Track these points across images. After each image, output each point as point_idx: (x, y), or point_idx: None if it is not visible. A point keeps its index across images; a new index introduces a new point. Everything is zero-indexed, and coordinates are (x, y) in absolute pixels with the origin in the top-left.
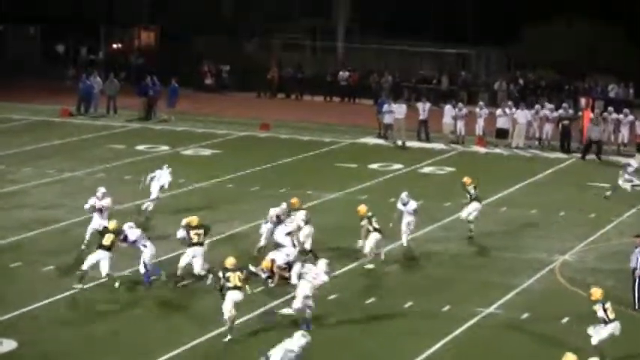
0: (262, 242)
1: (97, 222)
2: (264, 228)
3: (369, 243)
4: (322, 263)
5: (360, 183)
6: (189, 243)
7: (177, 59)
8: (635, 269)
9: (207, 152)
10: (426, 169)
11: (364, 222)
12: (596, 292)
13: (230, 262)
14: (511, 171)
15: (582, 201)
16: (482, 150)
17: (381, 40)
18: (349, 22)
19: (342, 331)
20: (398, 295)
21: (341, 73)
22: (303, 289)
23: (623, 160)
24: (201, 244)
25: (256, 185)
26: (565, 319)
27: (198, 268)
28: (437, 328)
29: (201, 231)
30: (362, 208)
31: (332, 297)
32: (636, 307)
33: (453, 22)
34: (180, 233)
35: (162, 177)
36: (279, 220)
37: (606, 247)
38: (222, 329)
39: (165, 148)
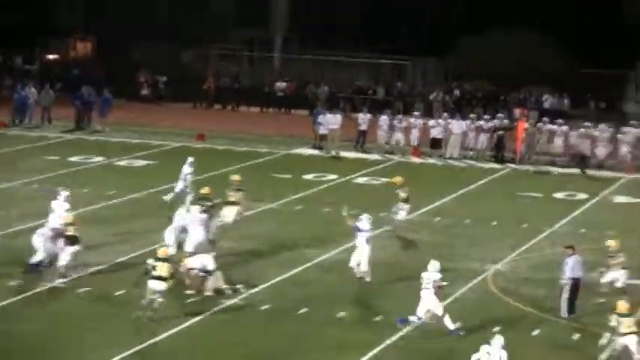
0: (172, 250)
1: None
2: (170, 236)
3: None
4: (435, 264)
5: (295, 193)
6: (69, 240)
7: (114, 69)
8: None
9: (142, 163)
10: (361, 180)
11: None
12: (621, 306)
13: (162, 252)
14: (445, 181)
15: (515, 211)
16: (417, 160)
17: (318, 50)
18: (286, 33)
19: (271, 344)
20: (331, 305)
21: (278, 83)
22: (425, 299)
23: (556, 170)
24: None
25: (191, 196)
26: (497, 328)
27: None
28: (368, 338)
29: (77, 227)
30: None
31: (264, 307)
32: (563, 314)
33: (390, 33)
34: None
35: (182, 171)
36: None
37: (538, 256)
38: (160, 337)
39: (99, 159)
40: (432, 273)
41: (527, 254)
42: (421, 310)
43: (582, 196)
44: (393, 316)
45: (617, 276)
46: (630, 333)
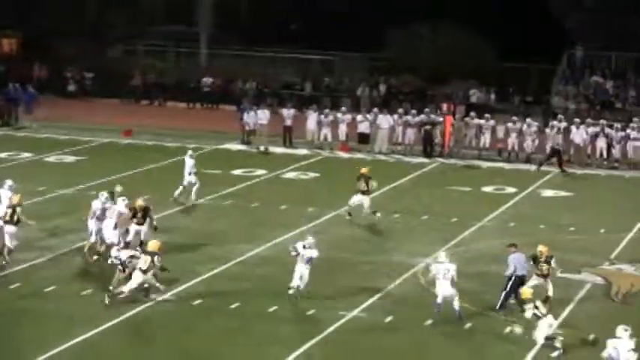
0: (93, 238)
1: None
2: (91, 224)
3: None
4: (443, 254)
5: (223, 189)
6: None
7: (40, 65)
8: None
9: (70, 159)
10: (290, 175)
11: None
12: (526, 292)
13: (152, 245)
14: (374, 176)
15: (445, 205)
16: (345, 155)
17: (245, 46)
18: (213, 28)
19: (203, 339)
20: (263, 299)
21: (204, 79)
22: (443, 289)
23: (484, 164)
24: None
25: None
26: (428, 322)
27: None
28: (301, 332)
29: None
30: (140, 202)
31: (196, 302)
32: (497, 307)
33: (318, 28)
34: None
35: (186, 164)
36: (104, 214)
37: (468, 250)
38: (90, 334)
39: (28, 155)
40: (448, 264)
41: (456, 248)
42: (440, 299)
43: (511, 190)
44: (324, 311)
45: (543, 283)
46: (548, 313)
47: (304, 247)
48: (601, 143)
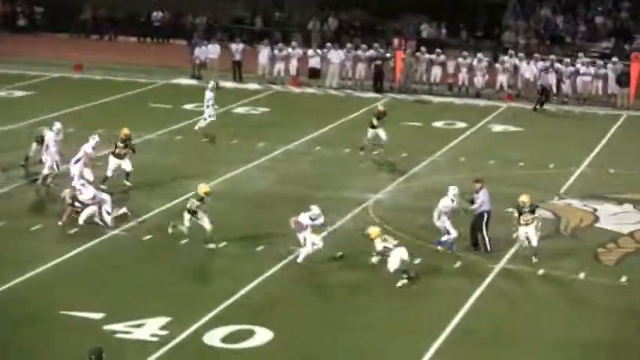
0: (46, 170)
1: None
2: (49, 158)
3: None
4: (450, 188)
5: (175, 123)
6: None
7: (3, 2)
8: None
9: (19, 94)
10: (241, 110)
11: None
12: (374, 231)
13: (201, 189)
14: (325, 111)
15: (395, 140)
16: (296, 90)
17: None
18: None
19: (151, 275)
20: (214, 235)
21: (155, 13)
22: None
23: (434, 99)
24: None
25: (70, 127)
26: (379, 257)
27: None
28: (251, 268)
29: None
30: (125, 130)
31: (146, 238)
32: (487, 249)
33: None
34: None
35: (205, 97)
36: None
37: (418, 185)
38: (42, 269)
39: None
40: (443, 198)
41: (407, 183)
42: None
43: (461, 125)
44: (273, 247)
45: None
46: (398, 245)
47: (311, 218)
48: (551, 78)
